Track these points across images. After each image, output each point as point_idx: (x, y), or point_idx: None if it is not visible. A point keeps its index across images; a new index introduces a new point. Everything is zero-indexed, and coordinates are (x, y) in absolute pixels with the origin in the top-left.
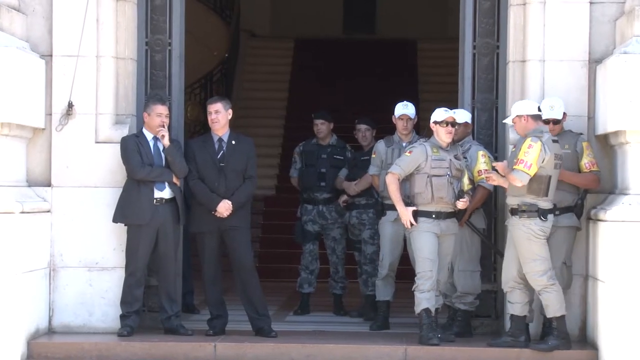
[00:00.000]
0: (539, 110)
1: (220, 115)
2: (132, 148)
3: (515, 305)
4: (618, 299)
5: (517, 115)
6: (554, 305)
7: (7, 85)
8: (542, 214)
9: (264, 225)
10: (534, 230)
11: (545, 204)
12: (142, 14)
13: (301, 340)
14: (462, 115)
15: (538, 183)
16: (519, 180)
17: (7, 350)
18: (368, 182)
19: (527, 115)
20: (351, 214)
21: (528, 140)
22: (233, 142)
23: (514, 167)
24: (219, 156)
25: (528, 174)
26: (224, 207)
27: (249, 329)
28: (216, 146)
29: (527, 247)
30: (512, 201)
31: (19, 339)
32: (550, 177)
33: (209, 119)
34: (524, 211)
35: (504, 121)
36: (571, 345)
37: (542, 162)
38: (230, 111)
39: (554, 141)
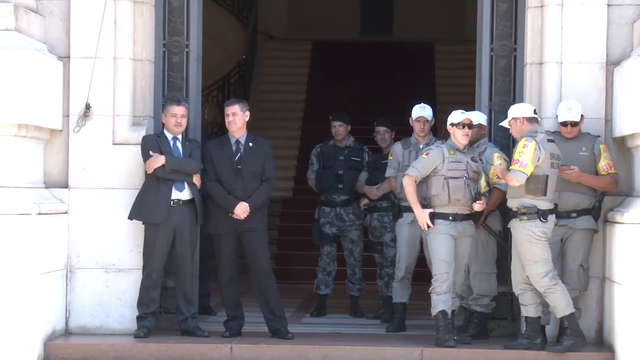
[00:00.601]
0: (535, 113)
1: (237, 118)
2: (153, 146)
3: (529, 307)
4: (635, 301)
5: (512, 118)
6: (560, 304)
7: (24, 86)
8: (542, 215)
9: (281, 227)
10: (535, 233)
11: (544, 204)
12: (159, 15)
13: (318, 341)
14: (477, 117)
15: (535, 183)
16: (516, 180)
17: (24, 352)
18: (389, 186)
19: (523, 118)
20: (372, 217)
21: (523, 141)
22: (250, 144)
23: (510, 167)
24: (236, 158)
25: (524, 173)
26: (241, 210)
27: (265, 331)
28: (233, 148)
29: (528, 249)
30: (512, 203)
31: (35, 340)
32: (547, 176)
33: (226, 120)
34: (523, 213)
35: (500, 124)
36: (586, 342)
37: (538, 161)
38: (247, 113)
39: (549, 141)
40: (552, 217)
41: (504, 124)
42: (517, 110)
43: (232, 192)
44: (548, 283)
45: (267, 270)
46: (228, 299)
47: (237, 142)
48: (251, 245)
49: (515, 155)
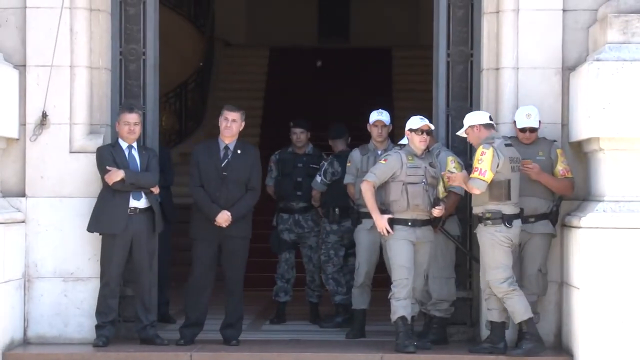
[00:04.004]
0: (490, 119)
1: (235, 125)
2: (108, 158)
3: (493, 311)
4: (593, 305)
5: (469, 126)
6: (519, 310)
7: None
8: (507, 220)
9: None
10: (499, 238)
11: (509, 209)
12: (116, 23)
13: (278, 349)
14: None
15: (498, 188)
16: (477, 188)
17: None
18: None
19: (479, 125)
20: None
21: (480, 148)
22: (238, 151)
23: (470, 175)
24: (222, 164)
25: (484, 180)
26: (223, 219)
27: (217, 338)
28: (221, 154)
29: (491, 254)
30: (477, 210)
31: None
32: (509, 180)
33: (223, 124)
34: (488, 218)
35: (457, 133)
36: (545, 346)
37: (497, 167)
38: (243, 124)
39: (507, 145)
40: (517, 222)
41: (461, 133)
42: (472, 118)
43: (215, 199)
44: (506, 289)
45: (240, 279)
46: (194, 304)
47: (226, 147)
48: (230, 252)
49: (475, 163)
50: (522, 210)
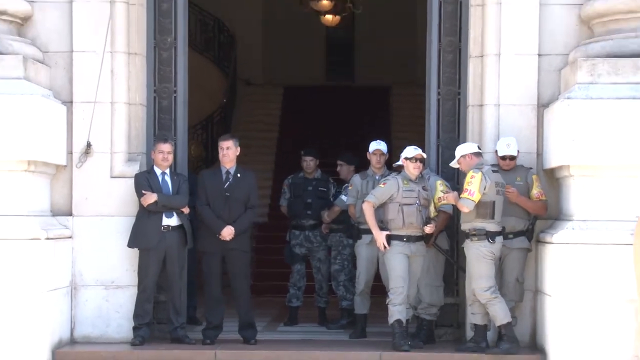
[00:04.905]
0: (479, 148)
1: (230, 151)
2: (144, 183)
3: (477, 315)
4: (563, 310)
5: (461, 156)
6: (499, 315)
7: (33, 128)
8: (490, 236)
9: (257, 248)
10: (483, 252)
11: (492, 227)
12: (150, 65)
13: (291, 347)
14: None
15: (484, 208)
16: (466, 207)
17: (34, 359)
18: (336, 212)
19: (470, 154)
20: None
21: (471, 172)
22: (238, 175)
23: (461, 195)
24: (225, 186)
25: (473, 200)
26: (227, 232)
27: (237, 338)
28: (224, 177)
29: (477, 266)
30: (464, 226)
31: (44, 349)
32: (494, 202)
33: (220, 153)
34: (474, 235)
35: (450, 164)
36: (520, 346)
37: (484, 189)
38: (238, 148)
39: (494, 171)
40: (499, 239)
41: (453, 164)
42: (464, 149)
43: (220, 215)
44: (489, 296)
45: (245, 286)
46: (213, 310)
47: (228, 172)
48: (233, 264)
49: (465, 185)
50: (504, 228)
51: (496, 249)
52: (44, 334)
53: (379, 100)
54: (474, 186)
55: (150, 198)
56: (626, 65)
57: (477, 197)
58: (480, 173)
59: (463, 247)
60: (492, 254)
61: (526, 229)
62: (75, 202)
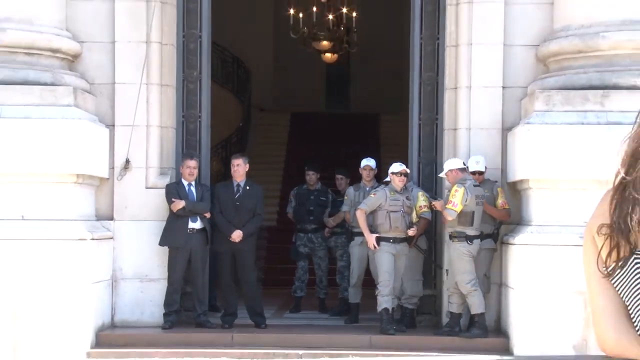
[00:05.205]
0: (464, 164)
1: (240, 168)
2: (173, 192)
3: (454, 305)
4: (523, 300)
5: (449, 170)
6: (476, 304)
7: (80, 147)
8: (468, 239)
9: (268, 247)
10: (462, 251)
11: (471, 231)
12: (179, 95)
13: (296, 331)
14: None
15: (465, 217)
16: (450, 216)
17: (81, 339)
18: (341, 218)
19: (456, 169)
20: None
21: (455, 187)
22: (247, 188)
23: (446, 206)
24: (236, 197)
25: (455, 211)
26: (237, 235)
27: (248, 323)
28: (235, 189)
29: (458, 263)
30: (449, 230)
31: (89, 331)
32: (473, 212)
33: (232, 169)
34: (455, 237)
35: (439, 175)
36: (488, 332)
37: (466, 201)
38: (247, 165)
39: (475, 186)
40: (476, 241)
41: (441, 175)
42: (451, 164)
43: (231, 221)
44: (470, 288)
45: (252, 281)
46: (228, 300)
47: (238, 185)
48: (242, 262)
49: (450, 197)
50: (482, 232)
51: (474, 249)
52: (89, 319)
53: (371, 125)
54: (457, 199)
55: (179, 204)
56: (576, 96)
57: (459, 208)
58: (463, 188)
59: (445, 247)
60: (470, 252)
61: (492, 233)
62: (116, 209)
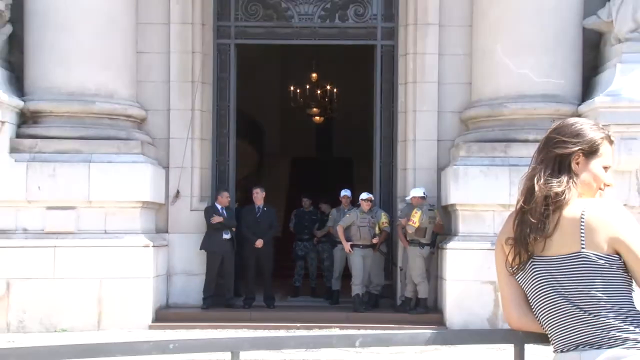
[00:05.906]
0: (424, 193)
1: (259, 195)
2: (211, 212)
3: (408, 291)
4: (453, 287)
5: (412, 197)
6: (423, 291)
7: (145, 182)
8: (421, 245)
9: (276, 251)
10: (417, 254)
11: (424, 240)
12: (214, 146)
13: (296, 310)
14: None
15: (420, 231)
16: (410, 229)
17: (145, 316)
18: (326, 231)
19: (418, 197)
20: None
21: (415, 210)
22: (265, 209)
23: (407, 223)
24: (257, 216)
25: (414, 226)
26: (259, 242)
27: (262, 304)
28: (256, 210)
29: (413, 262)
30: (409, 237)
31: (151, 310)
32: (426, 228)
33: (254, 196)
34: (412, 243)
35: (406, 199)
36: (429, 311)
37: (422, 221)
38: (264, 193)
39: (429, 209)
40: (427, 247)
41: (407, 200)
42: (414, 192)
43: (254, 233)
44: (420, 280)
45: (268, 274)
46: (250, 288)
47: (258, 207)
48: (262, 261)
49: (411, 217)
50: (432, 241)
51: (425, 252)
52: (150, 302)
53: (348, 166)
54: (416, 218)
55: (218, 219)
56: (487, 146)
57: (417, 225)
58: (420, 211)
59: (400, 251)
60: (422, 255)
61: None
62: (170, 225)
